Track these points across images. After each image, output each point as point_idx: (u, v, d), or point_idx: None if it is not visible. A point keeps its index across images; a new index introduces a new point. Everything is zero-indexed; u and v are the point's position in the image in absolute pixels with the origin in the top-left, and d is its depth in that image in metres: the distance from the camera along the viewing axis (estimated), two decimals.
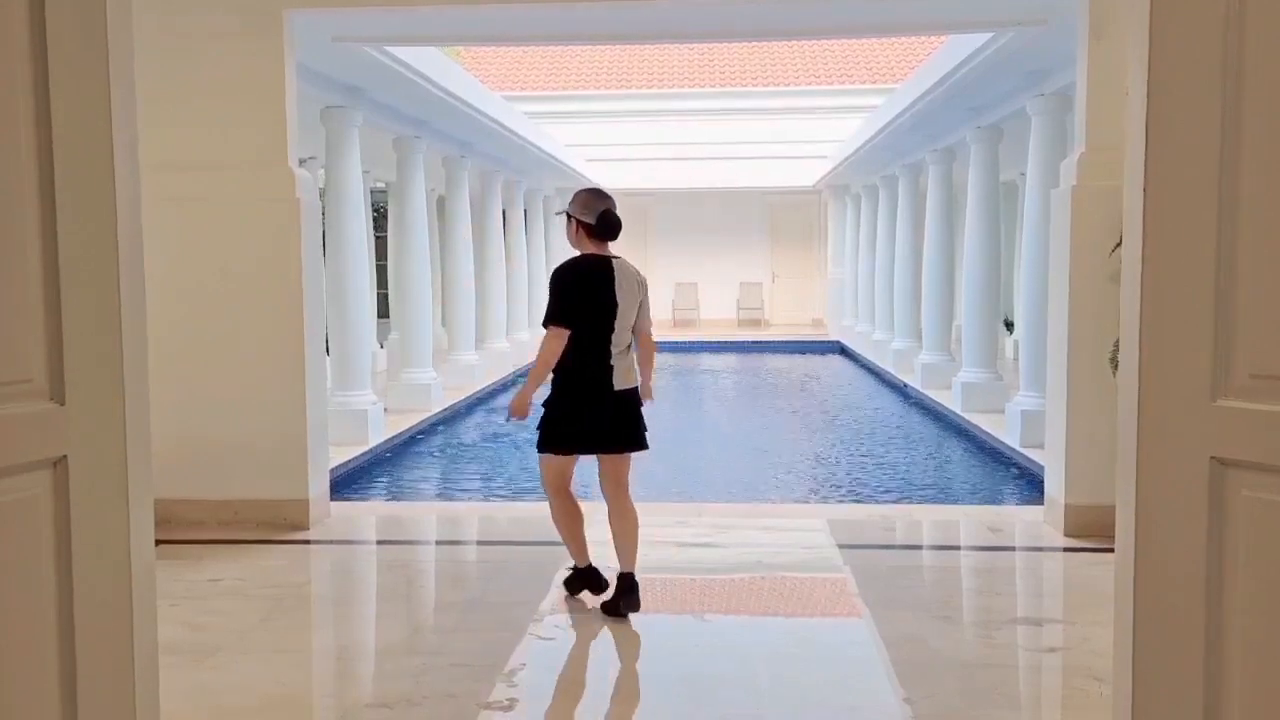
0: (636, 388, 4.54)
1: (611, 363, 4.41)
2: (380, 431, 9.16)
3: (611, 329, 4.40)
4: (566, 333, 4.35)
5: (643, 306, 4.54)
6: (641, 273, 4.60)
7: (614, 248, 4.57)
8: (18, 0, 1.81)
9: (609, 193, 4.60)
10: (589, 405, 4.42)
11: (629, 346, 4.51)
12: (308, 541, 5.83)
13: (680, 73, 22.03)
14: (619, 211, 4.51)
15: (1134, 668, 2.04)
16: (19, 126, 1.83)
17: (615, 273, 4.44)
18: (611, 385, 4.42)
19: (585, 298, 4.39)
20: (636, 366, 4.56)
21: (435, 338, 13.03)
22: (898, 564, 5.66)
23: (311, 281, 6.08)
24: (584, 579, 4.71)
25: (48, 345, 1.88)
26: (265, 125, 5.94)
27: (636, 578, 4.50)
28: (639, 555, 4.53)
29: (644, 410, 4.59)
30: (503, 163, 15.34)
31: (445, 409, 11.44)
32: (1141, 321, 2.00)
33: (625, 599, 4.48)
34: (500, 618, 4.58)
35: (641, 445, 4.53)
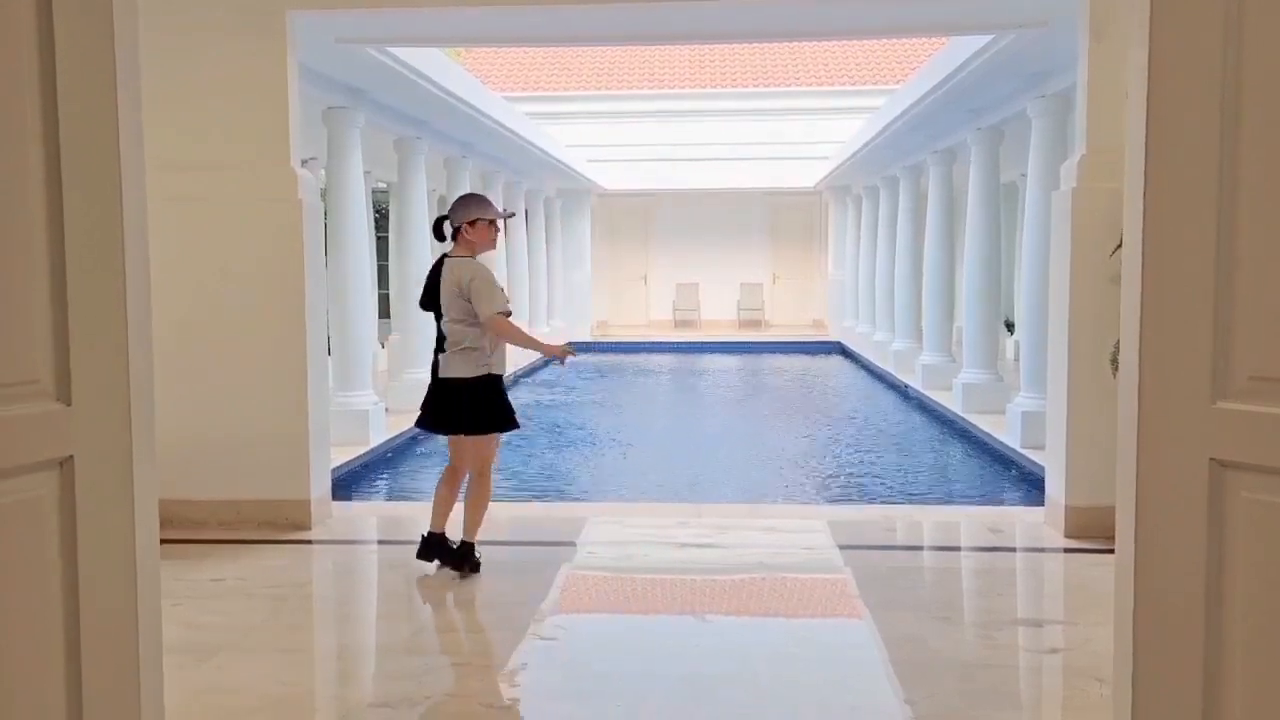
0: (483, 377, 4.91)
1: (446, 349, 4.93)
2: (381, 432, 9.17)
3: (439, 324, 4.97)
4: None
5: (475, 298, 4.85)
6: (469, 271, 4.90)
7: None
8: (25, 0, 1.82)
9: (474, 201, 5.11)
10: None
11: (465, 342, 4.90)
12: (309, 541, 5.84)
13: (681, 74, 22.06)
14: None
15: (1134, 668, 2.04)
16: (26, 127, 1.83)
17: (443, 271, 4.98)
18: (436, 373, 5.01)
19: (427, 292, 5.08)
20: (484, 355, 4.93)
21: None
22: (898, 565, 5.67)
23: (313, 282, 6.09)
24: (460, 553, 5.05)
25: (54, 346, 1.88)
26: (267, 125, 5.95)
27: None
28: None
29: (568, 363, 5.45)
30: (503, 163, 15.35)
31: None
32: (1141, 323, 2.00)
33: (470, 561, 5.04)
34: (501, 617, 4.59)
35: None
